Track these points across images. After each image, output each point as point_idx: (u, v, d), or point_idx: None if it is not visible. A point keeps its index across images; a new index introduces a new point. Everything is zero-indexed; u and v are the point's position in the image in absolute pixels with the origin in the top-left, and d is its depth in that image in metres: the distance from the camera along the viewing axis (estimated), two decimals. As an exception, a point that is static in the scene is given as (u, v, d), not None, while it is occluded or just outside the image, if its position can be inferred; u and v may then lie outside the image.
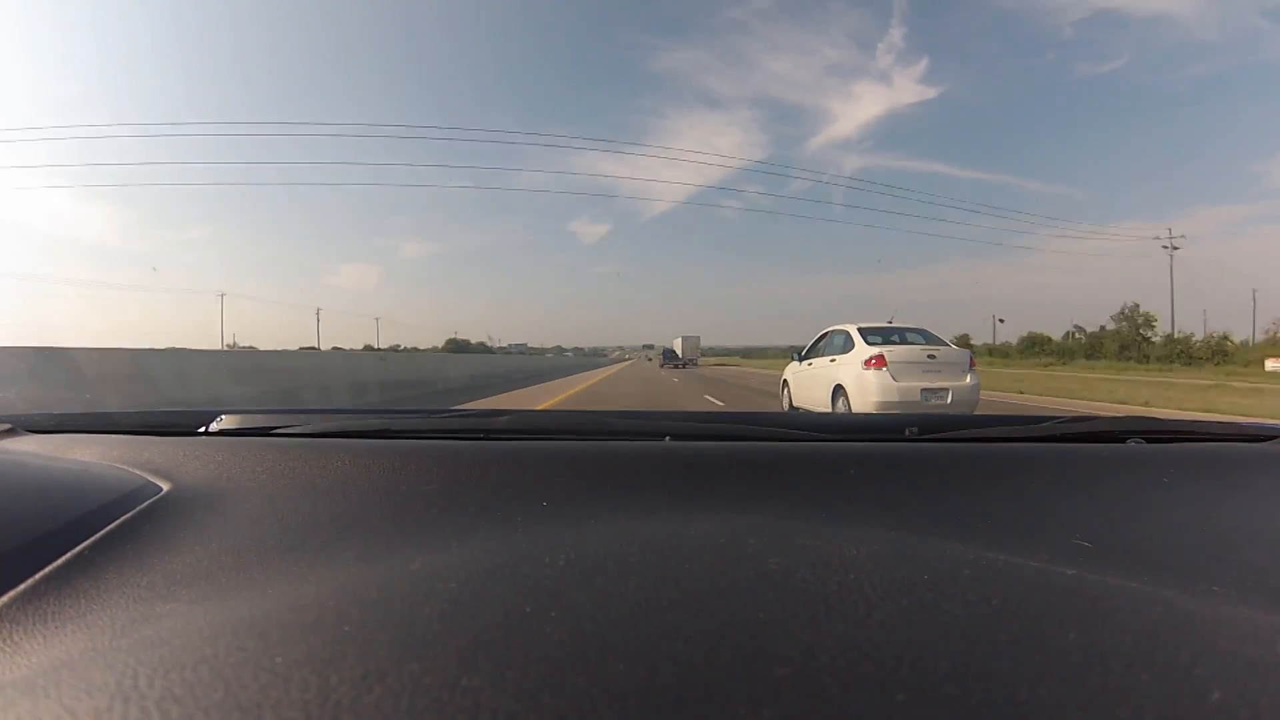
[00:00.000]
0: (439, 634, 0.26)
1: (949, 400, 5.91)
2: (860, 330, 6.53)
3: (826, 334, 7.21)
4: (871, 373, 5.96)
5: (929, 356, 6.11)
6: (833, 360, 6.70)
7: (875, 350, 6.08)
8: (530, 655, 0.24)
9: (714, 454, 0.63)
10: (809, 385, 7.27)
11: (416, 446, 0.66)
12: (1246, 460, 0.66)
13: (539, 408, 6.33)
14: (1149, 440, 0.72)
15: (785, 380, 8.21)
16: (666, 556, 0.35)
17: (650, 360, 59.41)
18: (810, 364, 7.33)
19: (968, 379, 6.11)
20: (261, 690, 0.22)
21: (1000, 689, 0.22)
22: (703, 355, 66.29)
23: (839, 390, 6.38)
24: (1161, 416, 0.79)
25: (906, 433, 0.74)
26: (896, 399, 5.81)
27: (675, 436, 0.71)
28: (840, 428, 0.85)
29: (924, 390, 5.89)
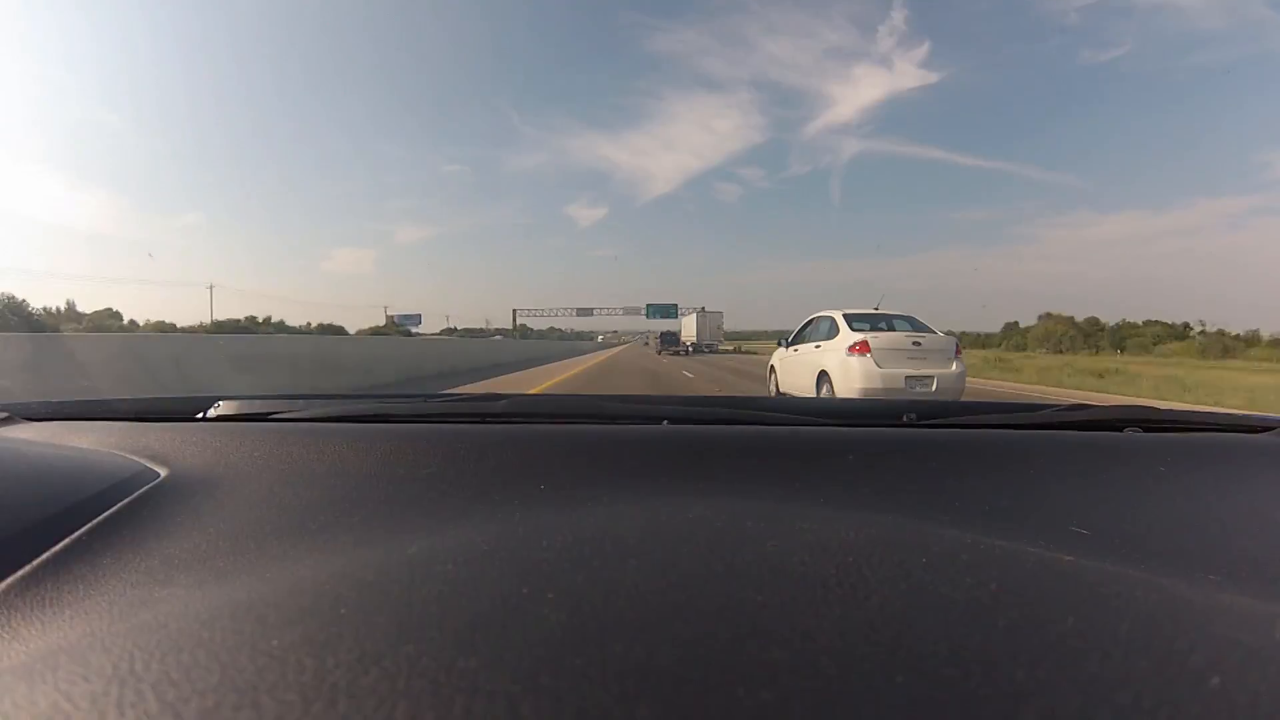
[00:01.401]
0: (436, 616, 0.26)
1: (934, 387, 5.87)
2: (846, 316, 6.50)
3: (813, 320, 7.16)
4: (855, 359, 5.92)
5: (914, 343, 6.07)
6: (818, 346, 6.67)
7: (859, 336, 6.04)
8: (527, 637, 0.24)
9: (712, 438, 0.63)
10: (794, 371, 7.24)
11: (413, 430, 0.66)
12: (1244, 451, 0.67)
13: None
14: (1146, 429, 0.73)
15: (772, 366, 8.19)
16: (665, 539, 0.35)
17: (648, 344, 45.36)
18: (796, 350, 7.29)
19: (953, 366, 6.07)
20: (258, 673, 0.22)
21: (998, 672, 0.22)
22: (725, 338, 51.04)
23: (823, 376, 6.36)
24: (1160, 406, 0.80)
25: (905, 418, 0.74)
26: (880, 385, 5.78)
27: (673, 420, 0.72)
28: (839, 413, 0.85)
29: (908, 377, 5.86)
